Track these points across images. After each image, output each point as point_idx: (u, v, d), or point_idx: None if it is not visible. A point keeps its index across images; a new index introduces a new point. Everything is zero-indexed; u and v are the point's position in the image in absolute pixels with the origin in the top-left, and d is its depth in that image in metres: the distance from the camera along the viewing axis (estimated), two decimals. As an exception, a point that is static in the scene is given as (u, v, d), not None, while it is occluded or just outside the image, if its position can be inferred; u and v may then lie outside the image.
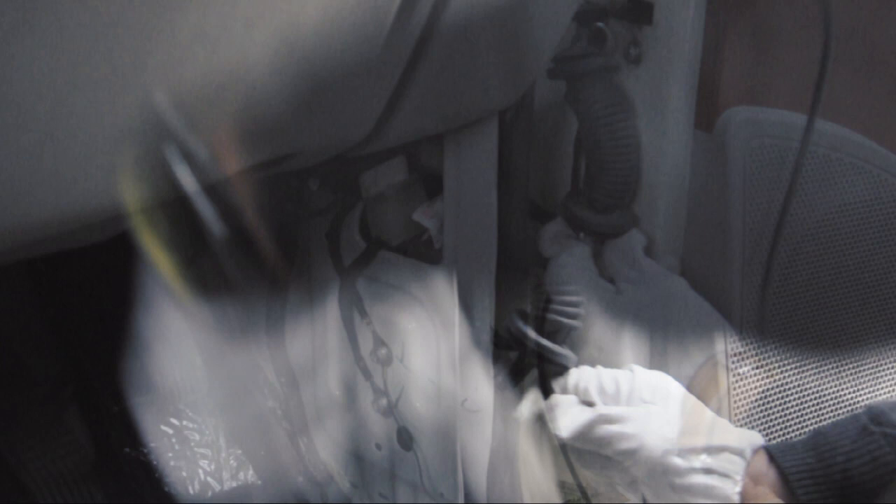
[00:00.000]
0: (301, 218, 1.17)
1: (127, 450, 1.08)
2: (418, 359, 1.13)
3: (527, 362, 0.96)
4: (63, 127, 0.44)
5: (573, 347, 0.95)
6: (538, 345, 0.92)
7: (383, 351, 1.15)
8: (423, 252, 1.10)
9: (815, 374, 1.01)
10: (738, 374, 0.98)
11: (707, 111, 1.04)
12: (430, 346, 1.12)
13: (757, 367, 0.99)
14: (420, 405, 1.16)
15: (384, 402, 1.17)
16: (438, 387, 1.12)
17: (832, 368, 1.03)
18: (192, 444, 1.22)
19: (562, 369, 0.93)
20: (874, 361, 1.07)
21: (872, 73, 1.10)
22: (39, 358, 1.07)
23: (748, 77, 1.03)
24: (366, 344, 1.16)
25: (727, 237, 1.03)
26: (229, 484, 1.24)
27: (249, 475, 1.28)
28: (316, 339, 1.24)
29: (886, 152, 1.09)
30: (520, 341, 0.93)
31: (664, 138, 1.04)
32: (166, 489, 1.12)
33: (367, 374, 1.17)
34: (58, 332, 1.08)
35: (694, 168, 1.06)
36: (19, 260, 0.56)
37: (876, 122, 1.10)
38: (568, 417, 0.87)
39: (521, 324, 0.93)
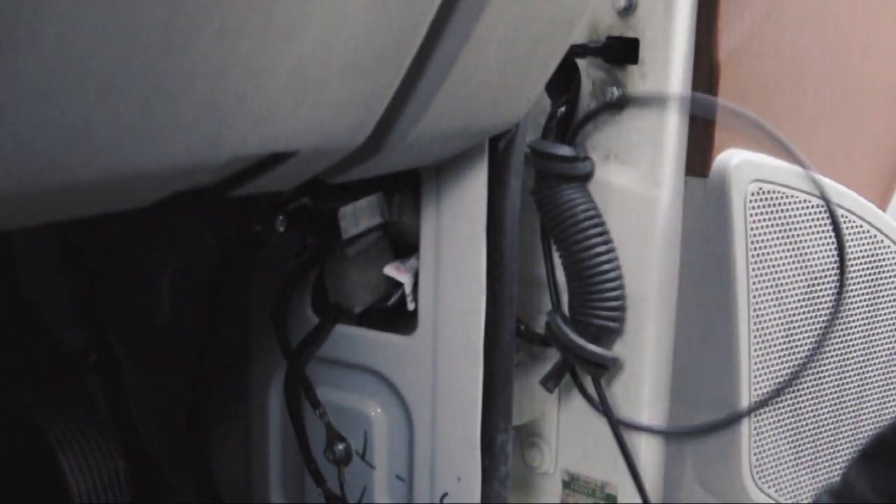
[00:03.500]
0: (248, 280, 1.00)
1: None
2: (385, 452, 0.96)
3: (567, 365, 0.97)
4: (120, 84, 0.45)
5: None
6: (582, 348, 0.93)
7: (340, 447, 0.96)
8: (391, 322, 0.94)
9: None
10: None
11: (701, 154, 0.96)
12: (401, 435, 0.95)
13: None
14: (386, 510, 0.97)
15: (339, 511, 0.97)
16: (410, 485, 0.94)
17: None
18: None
19: (602, 371, 0.95)
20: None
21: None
22: (65, 326, 1.06)
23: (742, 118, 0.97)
24: (318, 441, 0.98)
25: (731, 284, 0.93)
26: None
27: None
28: (252, 443, 1.04)
29: (875, 208, 1.04)
30: (563, 344, 0.94)
31: (655, 187, 0.95)
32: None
33: (320, 479, 0.98)
34: (83, 300, 1.07)
35: (687, 215, 0.96)
36: (51, 223, 0.54)
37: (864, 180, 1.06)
38: None
39: (565, 327, 0.94)
